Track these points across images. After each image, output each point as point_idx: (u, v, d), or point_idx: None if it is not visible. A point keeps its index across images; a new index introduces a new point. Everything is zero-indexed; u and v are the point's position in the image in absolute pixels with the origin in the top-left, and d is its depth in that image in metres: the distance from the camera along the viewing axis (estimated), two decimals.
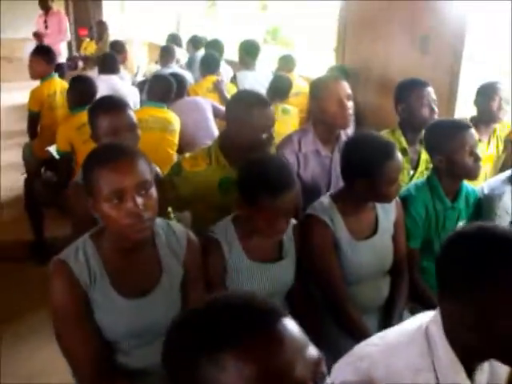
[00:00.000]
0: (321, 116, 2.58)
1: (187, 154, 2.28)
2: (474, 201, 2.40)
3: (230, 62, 5.85)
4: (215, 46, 5.61)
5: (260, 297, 0.82)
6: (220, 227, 1.90)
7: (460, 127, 2.20)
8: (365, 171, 1.92)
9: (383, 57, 4.06)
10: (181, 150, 3.74)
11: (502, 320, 1.05)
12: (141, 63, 8.00)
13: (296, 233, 1.98)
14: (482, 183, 2.54)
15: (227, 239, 1.86)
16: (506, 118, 3.27)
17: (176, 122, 3.67)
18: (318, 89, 2.61)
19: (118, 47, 6.05)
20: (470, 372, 1.16)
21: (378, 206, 2.11)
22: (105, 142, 2.03)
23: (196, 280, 1.72)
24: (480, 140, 2.91)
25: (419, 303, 2.25)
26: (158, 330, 1.60)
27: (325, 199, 2.07)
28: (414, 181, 2.41)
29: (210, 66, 4.99)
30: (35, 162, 4.10)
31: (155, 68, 6.14)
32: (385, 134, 2.85)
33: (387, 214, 2.13)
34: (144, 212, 1.42)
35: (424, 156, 2.87)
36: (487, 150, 3.15)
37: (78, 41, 9.23)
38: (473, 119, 3.19)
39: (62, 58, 7.51)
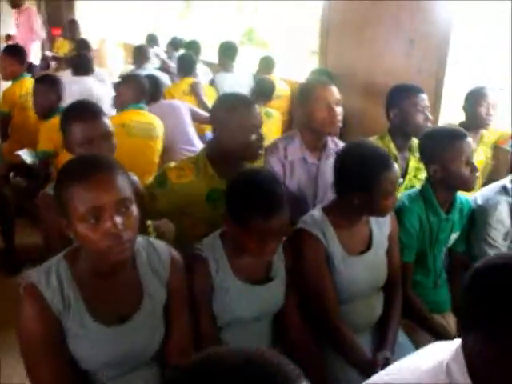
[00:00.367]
0: (308, 122, 2.47)
1: (172, 164, 2.13)
2: (468, 212, 2.31)
3: (208, 64, 5.73)
4: (192, 48, 5.49)
5: (265, 354, 0.68)
6: (207, 243, 1.76)
7: (457, 136, 2.10)
8: (362, 184, 1.81)
9: (368, 60, 3.98)
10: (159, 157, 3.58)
11: None
12: (116, 64, 7.82)
13: (286, 250, 1.85)
14: (475, 193, 2.45)
15: (215, 257, 1.73)
16: (493, 124, 3.22)
17: (160, 127, 3.47)
18: (305, 94, 2.49)
19: (83, 46, 5.88)
20: None
21: (372, 219, 2.00)
22: (78, 152, 1.90)
23: (180, 303, 1.58)
24: None
25: (413, 320, 2.16)
26: (139, 358, 1.51)
27: (316, 212, 1.95)
28: (407, 191, 2.31)
29: (186, 67, 4.87)
30: (4, 166, 3.91)
31: (130, 69, 5.98)
32: (374, 140, 2.77)
33: (381, 227, 2.03)
34: (124, 232, 1.28)
35: (413, 163, 2.80)
36: (476, 156, 3.07)
37: (52, 40, 8.98)
38: (461, 125, 3.14)
39: (36, 57, 7.30)
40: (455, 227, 2.26)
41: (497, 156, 3.35)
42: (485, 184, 2.91)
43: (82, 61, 4.83)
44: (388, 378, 1.10)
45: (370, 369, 1.76)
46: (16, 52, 4.15)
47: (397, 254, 2.10)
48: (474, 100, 3.12)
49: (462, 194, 2.28)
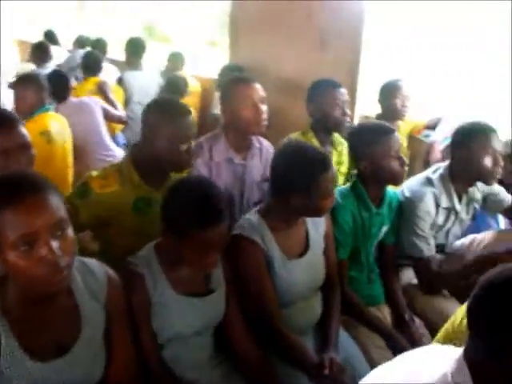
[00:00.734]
0: (233, 121, 2.40)
1: (94, 173, 1.97)
2: (396, 204, 2.34)
3: (113, 62, 5.49)
4: (98, 46, 5.24)
5: None
6: (141, 258, 1.64)
7: (384, 132, 2.12)
8: (300, 185, 1.76)
9: (280, 56, 3.93)
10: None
11: None
12: (10, 62, 7.32)
13: (223, 258, 1.76)
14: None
15: (151, 272, 1.62)
16: (408, 115, 3.33)
17: (68, 127, 3.25)
18: (228, 92, 2.42)
19: None
20: None
21: (308, 219, 1.97)
22: None
23: (121, 323, 1.47)
24: None
25: (351, 315, 2.16)
26: None
27: (252, 216, 1.89)
28: (339, 188, 2.30)
29: (91, 67, 4.64)
30: None
31: (29, 67, 5.59)
32: (296, 135, 2.76)
33: (317, 227, 2.00)
34: (61, 258, 1.15)
35: (335, 158, 2.81)
36: None
37: None
38: (378, 117, 3.21)
39: None
40: (385, 221, 2.28)
41: (412, 145, 3.45)
42: None
43: None
44: None
45: (318, 372, 1.74)
46: None
47: (333, 253, 2.08)
48: (390, 93, 3.20)
49: (389, 188, 2.31)
